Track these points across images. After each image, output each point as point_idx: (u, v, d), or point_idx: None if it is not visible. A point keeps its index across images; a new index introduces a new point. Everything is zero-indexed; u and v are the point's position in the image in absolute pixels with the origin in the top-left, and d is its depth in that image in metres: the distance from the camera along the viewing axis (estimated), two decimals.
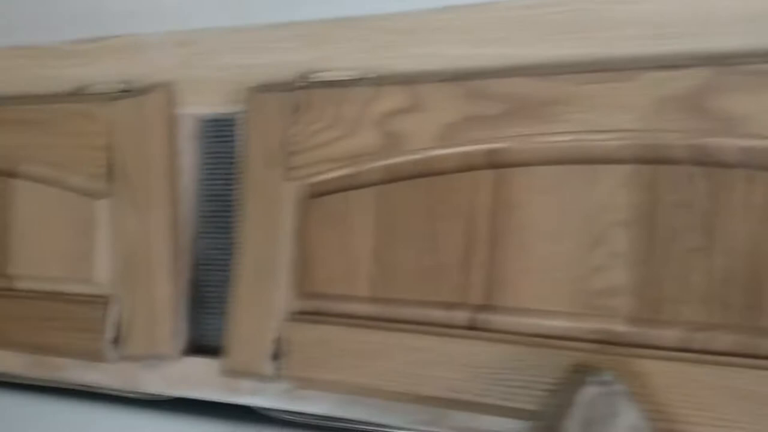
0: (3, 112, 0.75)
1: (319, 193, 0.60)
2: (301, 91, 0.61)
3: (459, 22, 0.58)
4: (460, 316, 0.54)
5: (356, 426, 0.60)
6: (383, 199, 0.57)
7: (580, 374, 0.48)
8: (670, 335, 0.48)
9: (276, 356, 0.60)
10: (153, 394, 0.71)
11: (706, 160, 0.48)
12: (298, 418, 0.68)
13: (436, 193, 0.55)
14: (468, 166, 0.54)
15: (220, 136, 0.69)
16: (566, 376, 0.49)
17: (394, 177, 0.57)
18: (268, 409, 0.67)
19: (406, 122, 0.57)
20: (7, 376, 0.80)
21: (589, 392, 0.45)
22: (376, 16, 0.61)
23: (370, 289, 0.57)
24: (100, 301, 0.69)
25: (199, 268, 0.70)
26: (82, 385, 0.75)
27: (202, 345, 0.69)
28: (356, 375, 0.56)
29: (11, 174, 0.74)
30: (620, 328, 0.50)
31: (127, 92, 0.69)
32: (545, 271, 0.52)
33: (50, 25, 0.69)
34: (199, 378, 0.66)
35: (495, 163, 0.53)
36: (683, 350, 0.48)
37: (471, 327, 0.53)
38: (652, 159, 0.49)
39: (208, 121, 0.69)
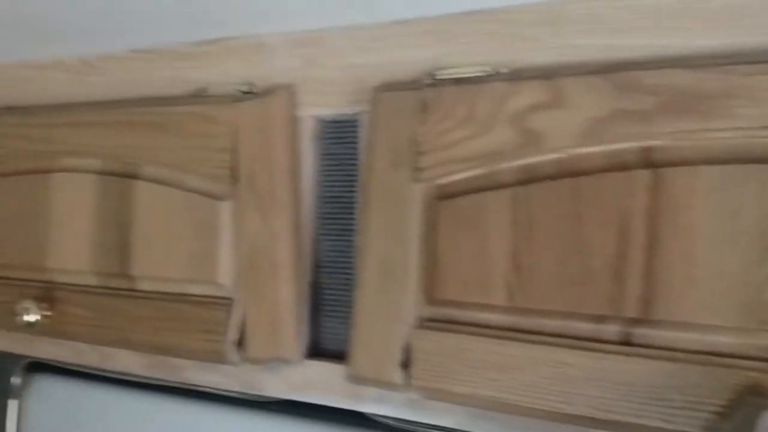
0: (124, 114, 0.76)
1: (448, 194, 0.57)
2: (429, 89, 0.58)
3: (604, 10, 0.54)
4: (611, 329, 0.50)
5: None
6: (521, 201, 0.53)
7: (757, 397, 0.42)
8: None
9: (404, 364, 0.58)
10: (265, 396, 0.71)
11: None
12: (419, 429, 0.65)
13: (583, 194, 0.51)
14: (619, 165, 0.50)
15: (341, 137, 0.67)
16: (740, 399, 0.44)
17: (533, 177, 0.53)
18: (388, 418, 0.65)
19: (545, 119, 0.53)
20: (127, 375, 0.82)
21: None
22: (507, 9, 0.58)
23: (508, 297, 0.53)
24: (223, 303, 0.68)
25: (318, 271, 0.69)
26: (201, 386, 0.76)
27: (322, 349, 0.68)
28: (491, 388, 0.53)
29: (133, 175, 0.75)
30: None
31: (249, 94, 0.69)
32: (711, 281, 0.47)
33: (169, 27, 0.70)
34: (322, 383, 0.65)
35: (651, 161, 0.49)
36: None
37: (624, 342, 0.49)
38: None
39: (328, 122, 0.68)
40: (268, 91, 0.68)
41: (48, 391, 1.16)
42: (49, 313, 0.78)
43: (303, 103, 0.67)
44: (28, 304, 0.77)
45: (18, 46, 0.79)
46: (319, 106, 0.67)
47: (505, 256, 0.54)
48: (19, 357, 1.14)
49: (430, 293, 0.57)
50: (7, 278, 0.83)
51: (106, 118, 0.77)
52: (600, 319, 0.51)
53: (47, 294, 0.79)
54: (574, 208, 0.51)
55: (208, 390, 0.91)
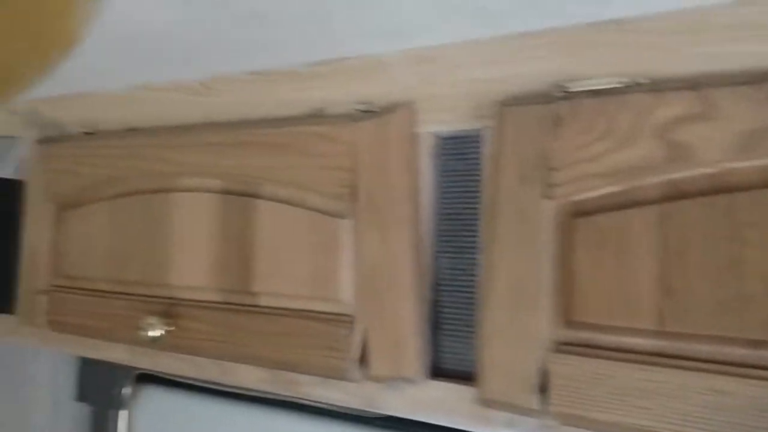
0: (243, 135, 0.78)
1: (585, 211, 0.55)
2: (562, 102, 0.56)
3: (751, 17, 0.50)
4: None
5: None
6: (668, 219, 0.51)
7: None
8: None
9: (539, 388, 0.56)
10: (372, 412, 0.71)
11: None
12: None
13: (738, 211, 0.48)
14: None
15: (461, 152, 0.67)
16: None
17: (682, 193, 0.50)
18: None
19: (694, 131, 0.50)
20: (247, 389, 0.83)
21: None
22: (637, 18, 0.55)
23: (657, 321, 0.50)
24: (345, 320, 0.69)
25: (437, 289, 0.68)
26: (321, 402, 0.76)
27: (443, 368, 0.67)
28: (639, 416, 0.50)
29: (253, 195, 0.77)
30: None
31: (368, 113, 0.69)
32: None
33: (286, 48, 0.71)
34: (447, 404, 0.64)
35: None
36: None
37: None
38: None
39: (448, 138, 0.67)
40: (387, 110, 0.68)
41: (156, 402, 1.21)
42: (171, 329, 0.80)
43: (422, 120, 0.67)
44: (152, 319, 0.79)
45: (138, 69, 0.82)
46: (438, 123, 0.67)
47: (652, 277, 0.51)
48: (130, 368, 1.19)
49: (567, 315, 0.55)
50: (131, 294, 0.86)
51: (225, 138, 0.79)
52: (759, 344, 0.47)
53: (170, 310, 0.81)
54: (728, 226, 0.48)
55: (314, 404, 0.92)
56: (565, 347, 0.55)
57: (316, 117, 0.73)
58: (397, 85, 0.68)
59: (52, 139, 0.94)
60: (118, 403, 1.25)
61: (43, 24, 0.32)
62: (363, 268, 0.68)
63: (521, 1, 0.55)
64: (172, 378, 1.15)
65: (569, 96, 0.57)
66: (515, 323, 0.58)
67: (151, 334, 0.79)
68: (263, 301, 0.76)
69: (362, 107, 0.70)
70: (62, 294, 0.92)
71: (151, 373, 1.17)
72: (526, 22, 0.60)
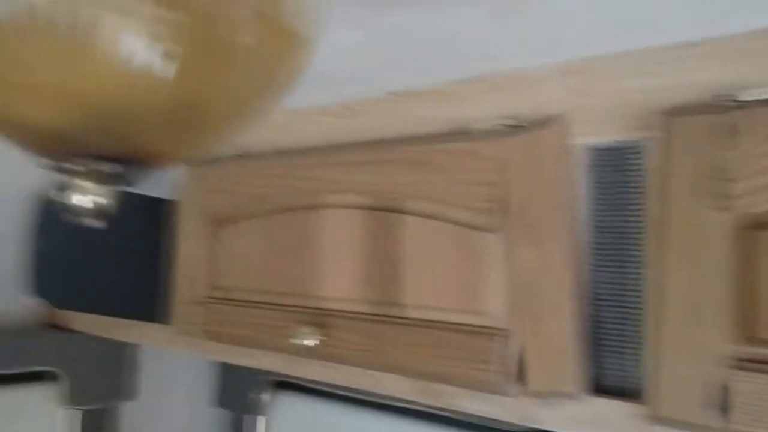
0: (388, 153, 0.81)
1: (765, 224, 0.53)
2: (736, 111, 0.55)
3: None
4: None
5: None
6: None
7: None
8: None
9: (718, 406, 0.54)
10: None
11: None
12: None
13: None
14: None
15: (618, 164, 0.66)
16: None
17: None
18: None
19: None
20: (395, 400, 0.86)
21: None
22: None
23: None
24: (494, 334, 0.69)
25: (595, 304, 0.67)
26: (463, 415, 0.77)
27: (602, 384, 0.66)
28: None
29: (399, 210, 0.79)
30: None
31: (516, 127, 0.70)
32: None
33: (427, 67, 0.73)
34: (610, 420, 0.63)
35: None
36: None
37: None
38: None
39: (603, 150, 0.66)
40: (536, 124, 0.68)
41: (293, 408, 1.26)
42: (323, 338, 0.84)
43: (574, 132, 0.67)
44: (306, 328, 0.83)
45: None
46: (592, 135, 0.66)
47: None
48: (268, 375, 1.25)
49: (749, 331, 0.53)
50: (284, 305, 0.91)
51: (369, 157, 0.82)
52: None
53: (320, 320, 0.85)
54: None
55: (452, 416, 0.93)
56: (747, 364, 0.53)
57: (461, 134, 0.75)
58: (546, 99, 0.69)
59: (206, 161, 1.01)
60: (256, 409, 1.31)
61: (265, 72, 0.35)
62: (516, 282, 0.68)
63: (676, 11, 0.54)
64: (309, 385, 1.20)
65: (742, 105, 0.55)
66: (689, 339, 0.56)
67: (305, 342, 0.83)
68: (411, 312, 0.78)
69: (509, 122, 0.71)
70: (217, 305, 0.99)
71: (288, 380, 1.22)
72: (682, 32, 0.59)
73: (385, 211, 0.80)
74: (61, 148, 0.33)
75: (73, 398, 1.27)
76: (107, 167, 0.33)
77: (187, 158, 0.36)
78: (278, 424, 1.29)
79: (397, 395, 0.82)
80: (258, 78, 0.34)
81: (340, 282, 0.84)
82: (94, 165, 0.33)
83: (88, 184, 0.34)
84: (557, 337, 0.66)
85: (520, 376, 0.68)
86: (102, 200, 0.34)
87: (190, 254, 1.04)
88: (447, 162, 0.75)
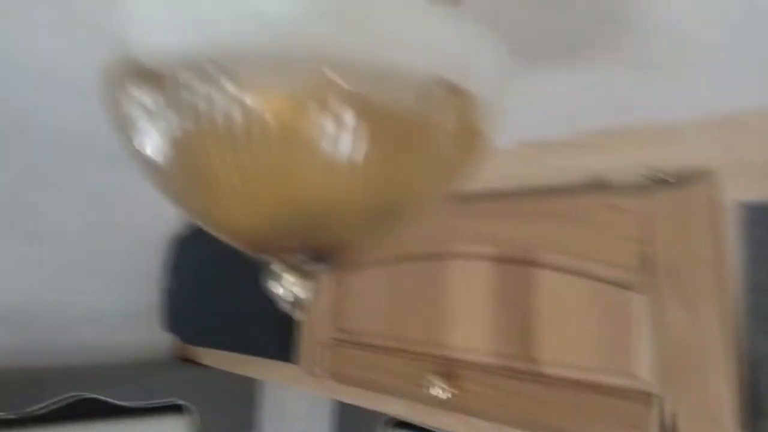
0: (520, 204, 0.80)
1: None
2: None
3: None
4: None
5: None
6: None
7: None
8: None
9: None
10: None
11: None
12: None
13: None
14: None
15: None
16: None
17: None
18: None
19: None
20: None
21: None
22: None
23: None
24: (646, 398, 0.67)
25: (752, 368, 0.63)
26: None
27: None
28: None
29: (534, 263, 0.78)
30: None
31: (662, 182, 0.68)
32: None
33: (564, 118, 0.72)
34: None
35: None
36: None
37: None
38: None
39: (757, 207, 0.63)
40: (686, 178, 0.66)
41: None
42: (451, 389, 0.84)
43: (727, 188, 0.64)
44: (434, 379, 0.84)
45: None
46: (747, 191, 0.63)
47: None
48: (386, 414, 1.26)
49: None
50: (410, 352, 0.92)
51: (501, 207, 0.82)
52: None
53: (449, 370, 0.85)
54: None
55: None
56: None
57: (599, 186, 0.73)
58: (693, 153, 0.66)
59: None
60: None
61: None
62: (666, 344, 0.66)
63: None
64: (425, 426, 1.19)
65: None
66: None
67: (435, 393, 0.84)
68: (547, 369, 0.76)
69: (651, 176, 0.68)
70: (343, 348, 1.01)
71: (407, 420, 1.23)
72: None
73: (518, 263, 0.80)
74: (264, 242, 0.35)
75: (202, 429, 1.33)
76: (303, 262, 0.35)
77: (373, 248, 0.38)
78: None
79: None
80: (443, 171, 0.35)
81: (470, 332, 0.84)
82: (291, 260, 0.35)
83: (288, 277, 0.36)
84: (713, 404, 0.62)
85: None
86: (300, 290, 0.36)
87: (317, 298, 1.07)
88: (585, 215, 0.73)
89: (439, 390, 0.83)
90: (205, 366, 1.36)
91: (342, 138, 0.31)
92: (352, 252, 0.37)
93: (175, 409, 1.32)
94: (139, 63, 0.30)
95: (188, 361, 1.40)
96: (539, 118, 0.73)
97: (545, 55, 0.53)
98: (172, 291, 1.36)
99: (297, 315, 0.37)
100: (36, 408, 1.12)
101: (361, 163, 0.32)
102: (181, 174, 0.33)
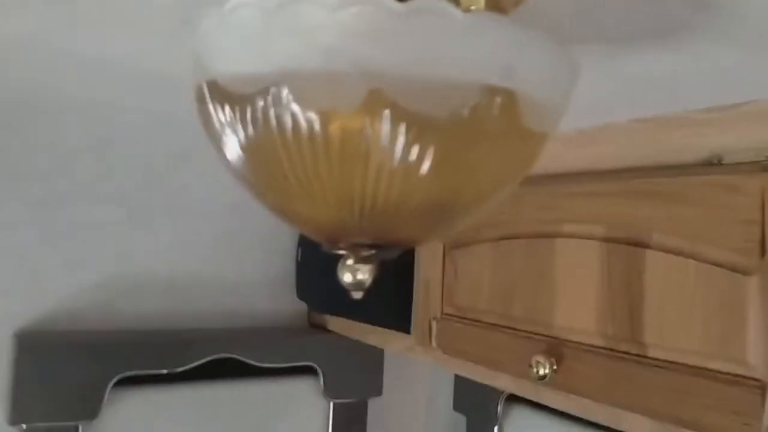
0: (630, 183, 0.78)
1: None
2: None
3: None
4: None
5: None
6: None
7: None
8: None
9: None
10: None
11: None
12: None
13: None
14: None
15: None
16: None
17: None
18: None
19: None
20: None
21: None
22: None
23: None
24: (756, 385, 0.64)
25: None
26: None
27: None
28: None
29: (641, 244, 0.76)
30: None
31: None
32: None
33: (682, 94, 0.68)
34: None
35: None
36: None
37: None
38: None
39: None
40: None
41: (525, 421, 1.28)
42: (556, 368, 0.84)
43: None
44: (540, 358, 0.85)
45: None
46: None
47: None
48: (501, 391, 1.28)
49: None
50: (516, 329, 0.93)
51: (610, 187, 0.80)
52: None
53: (555, 350, 0.86)
54: None
55: None
56: None
57: (714, 165, 0.69)
58: None
59: None
60: (491, 418, 1.36)
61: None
62: None
63: None
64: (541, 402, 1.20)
65: None
66: None
67: (538, 371, 0.85)
68: (653, 352, 0.75)
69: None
70: (452, 322, 1.05)
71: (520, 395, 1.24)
72: None
73: (627, 244, 0.78)
74: (332, 237, 0.39)
75: (329, 391, 1.43)
76: (369, 251, 0.39)
77: (434, 241, 0.41)
78: None
79: None
80: (500, 173, 0.37)
81: (576, 312, 0.84)
82: (358, 250, 0.39)
83: (354, 264, 0.40)
84: None
85: None
86: (363, 276, 0.40)
87: (429, 273, 1.11)
88: (698, 196, 0.70)
89: (543, 369, 0.84)
90: (333, 332, 1.45)
91: (398, 147, 0.34)
92: (417, 245, 0.40)
93: (306, 370, 1.43)
94: (220, 86, 0.35)
95: (320, 327, 1.50)
96: (649, 97, 0.70)
97: (646, 40, 0.52)
98: (304, 262, 1.47)
99: (357, 296, 0.41)
100: (184, 367, 1.27)
101: (420, 168, 0.35)
102: (259, 178, 0.38)
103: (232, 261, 1.46)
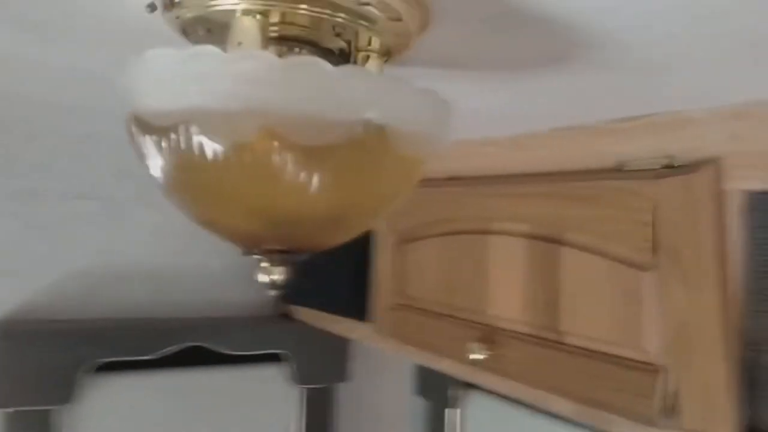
0: (550, 187, 0.86)
1: None
2: None
3: None
4: None
5: None
6: None
7: None
8: None
9: None
10: None
11: None
12: None
13: None
14: None
15: None
16: None
17: None
18: None
19: None
20: (560, 417, 0.91)
21: None
22: None
23: None
24: (650, 369, 0.72)
25: (752, 348, 0.66)
26: None
27: (755, 429, 0.66)
28: None
29: (558, 241, 0.84)
30: None
31: (671, 168, 0.71)
32: None
33: (590, 106, 0.76)
34: None
35: None
36: None
37: None
38: None
39: (762, 195, 0.65)
40: (691, 166, 0.69)
41: (482, 405, 1.36)
42: (489, 353, 0.93)
43: (731, 176, 0.66)
44: (474, 344, 0.93)
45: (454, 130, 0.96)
46: (750, 179, 0.65)
47: None
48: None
49: None
50: (457, 318, 1.01)
51: (533, 189, 0.88)
52: None
53: (488, 336, 0.94)
54: None
55: None
56: None
57: (618, 171, 0.77)
58: (703, 142, 0.69)
59: None
60: (452, 403, 1.44)
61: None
62: (669, 322, 0.70)
63: None
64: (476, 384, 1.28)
65: None
66: None
67: (472, 356, 0.93)
68: (569, 339, 0.83)
69: (664, 162, 0.72)
70: (403, 312, 1.13)
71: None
72: None
73: (546, 241, 0.86)
74: (249, 243, 0.47)
75: (299, 378, 1.51)
76: (281, 256, 0.47)
77: (334, 246, 0.48)
78: (472, 419, 1.39)
79: (562, 414, 0.88)
80: (383, 190, 0.45)
81: (507, 302, 0.92)
82: (271, 255, 0.47)
83: (269, 266, 0.47)
84: (711, 379, 0.67)
85: (675, 411, 0.70)
86: (277, 277, 0.47)
87: (384, 265, 1.19)
88: (605, 199, 0.78)
89: (478, 354, 0.92)
90: (303, 322, 1.53)
91: (289, 171, 0.41)
92: (322, 250, 0.47)
93: (274, 358, 1.50)
94: (142, 119, 0.42)
95: (287, 316, 1.58)
96: (568, 110, 0.78)
97: (551, 67, 0.59)
98: None
99: (273, 294, 0.49)
100: (159, 353, 1.35)
101: (310, 188, 0.42)
102: (181, 194, 0.45)
103: (206, 253, 1.53)
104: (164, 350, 1.36)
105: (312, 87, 0.38)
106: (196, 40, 0.49)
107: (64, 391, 1.24)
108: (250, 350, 1.46)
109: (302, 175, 0.41)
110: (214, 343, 1.42)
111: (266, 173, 0.41)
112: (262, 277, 0.47)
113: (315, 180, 0.42)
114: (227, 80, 0.38)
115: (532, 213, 0.88)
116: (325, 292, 1.38)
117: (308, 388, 1.54)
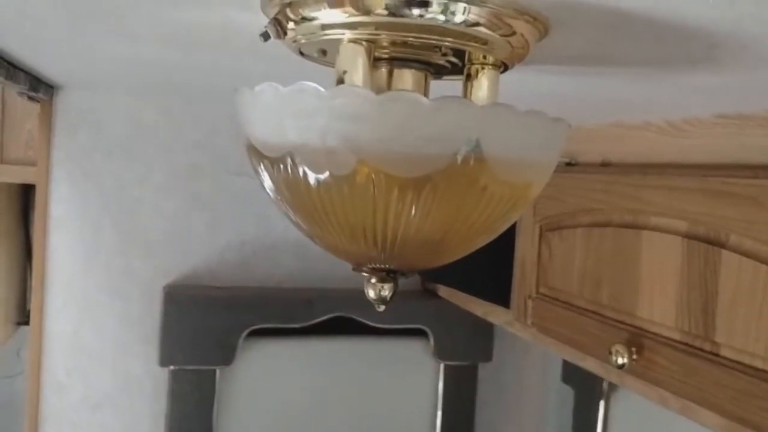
0: (712, 182, 0.76)
1: None
2: None
3: None
4: None
5: None
6: None
7: None
8: None
9: None
10: None
11: None
12: None
13: None
14: None
15: None
16: None
17: None
18: None
19: None
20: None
21: None
22: None
23: None
24: None
25: None
26: None
27: None
28: None
29: (719, 244, 0.75)
30: None
31: None
32: None
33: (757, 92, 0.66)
34: None
35: None
36: None
37: None
38: None
39: None
40: None
41: (630, 399, 1.29)
42: (636, 357, 0.86)
43: None
44: (619, 347, 0.87)
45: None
46: None
47: None
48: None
49: None
50: (602, 315, 0.95)
51: (693, 183, 0.79)
52: None
53: (635, 339, 0.87)
54: None
55: None
56: None
57: None
58: None
59: None
60: (598, 393, 1.38)
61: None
62: None
63: None
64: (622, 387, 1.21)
65: None
66: None
67: (617, 360, 0.87)
68: (725, 352, 0.74)
69: None
70: (544, 303, 1.08)
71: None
72: None
73: (706, 243, 0.77)
74: (357, 263, 0.47)
75: (439, 354, 1.53)
76: (388, 274, 0.47)
77: (438, 266, 0.47)
78: (621, 414, 1.33)
79: (710, 428, 0.80)
80: (488, 215, 0.43)
81: (656, 305, 0.85)
82: (379, 273, 0.47)
83: (376, 283, 0.47)
84: None
85: None
86: (385, 293, 0.48)
87: (526, 252, 1.15)
88: None
89: (623, 357, 0.86)
90: (447, 300, 1.54)
91: (388, 200, 0.40)
92: (427, 269, 0.47)
93: (418, 332, 1.53)
94: (254, 147, 0.44)
95: (433, 293, 1.59)
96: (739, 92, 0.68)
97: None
98: None
99: (380, 309, 0.49)
100: (308, 322, 1.43)
101: (410, 216, 0.41)
102: (295, 214, 0.47)
103: None
104: (314, 320, 1.43)
105: (407, 122, 0.37)
106: (312, 60, 0.49)
107: (223, 353, 1.36)
108: (395, 323, 1.50)
109: (401, 204, 0.40)
110: (359, 315, 1.47)
111: (366, 201, 0.41)
112: (371, 293, 0.47)
113: (414, 208, 0.41)
114: (324, 117, 0.38)
115: (691, 209, 0.79)
116: (467, 274, 1.37)
117: (450, 365, 1.55)
